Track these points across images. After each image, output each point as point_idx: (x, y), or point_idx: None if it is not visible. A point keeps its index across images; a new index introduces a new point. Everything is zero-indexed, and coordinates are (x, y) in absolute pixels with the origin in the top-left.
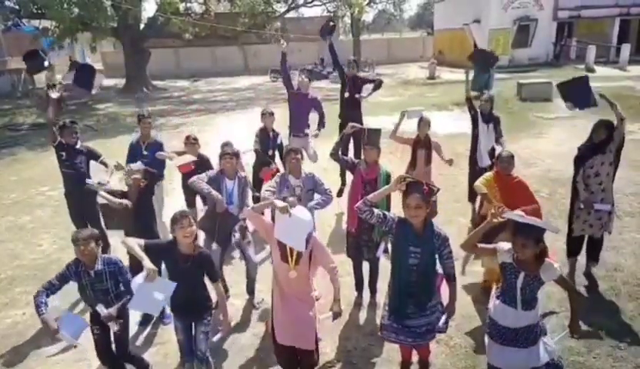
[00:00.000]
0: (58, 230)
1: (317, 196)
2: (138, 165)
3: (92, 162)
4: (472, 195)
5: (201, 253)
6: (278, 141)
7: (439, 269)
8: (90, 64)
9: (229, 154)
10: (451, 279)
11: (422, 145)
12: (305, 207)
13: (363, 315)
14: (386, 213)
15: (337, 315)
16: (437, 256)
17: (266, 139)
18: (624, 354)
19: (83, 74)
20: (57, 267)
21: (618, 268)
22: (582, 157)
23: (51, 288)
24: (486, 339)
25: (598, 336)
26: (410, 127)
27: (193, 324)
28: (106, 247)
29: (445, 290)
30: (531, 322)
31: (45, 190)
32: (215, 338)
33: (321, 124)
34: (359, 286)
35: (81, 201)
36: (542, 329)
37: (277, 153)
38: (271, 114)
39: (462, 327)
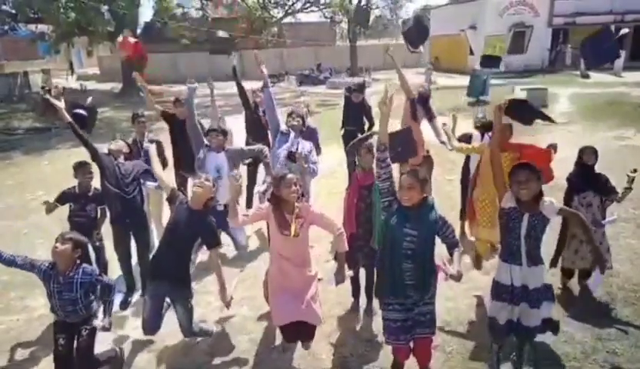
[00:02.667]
0: (54, 235)
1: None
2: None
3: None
4: (462, 214)
5: (205, 215)
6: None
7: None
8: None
9: (215, 130)
10: (453, 247)
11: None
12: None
13: (360, 321)
14: (395, 188)
15: (339, 281)
16: (438, 237)
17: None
18: (620, 359)
19: (83, 116)
20: None
21: (614, 274)
22: (574, 190)
23: (16, 260)
24: (490, 301)
25: (594, 341)
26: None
27: (171, 302)
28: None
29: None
30: (539, 283)
31: (40, 194)
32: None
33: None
34: (356, 292)
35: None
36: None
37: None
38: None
39: (459, 332)
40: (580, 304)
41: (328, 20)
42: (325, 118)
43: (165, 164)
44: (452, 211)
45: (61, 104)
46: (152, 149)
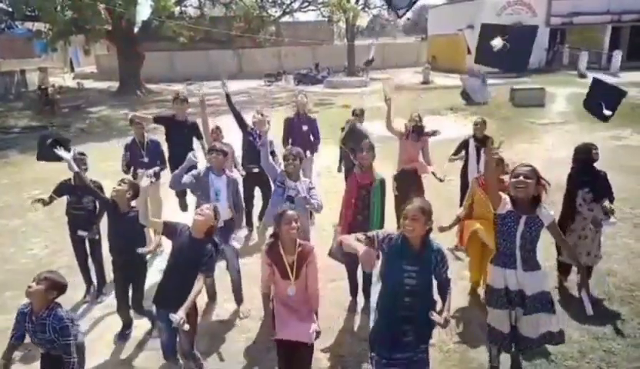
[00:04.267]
0: (50, 234)
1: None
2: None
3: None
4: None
5: (206, 243)
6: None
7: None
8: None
9: (216, 150)
10: (444, 286)
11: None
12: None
13: (357, 320)
14: (377, 235)
15: (317, 334)
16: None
17: (252, 141)
18: (617, 359)
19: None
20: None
21: (611, 273)
22: (577, 186)
23: (18, 335)
24: (488, 309)
25: (591, 341)
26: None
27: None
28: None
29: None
30: (538, 289)
31: (37, 193)
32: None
33: (315, 147)
34: (354, 291)
35: (87, 247)
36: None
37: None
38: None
39: (456, 331)
40: (577, 304)
41: (326, 19)
42: (322, 117)
43: (163, 163)
44: (451, 209)
45: (68, 155)
46: (141, 198)
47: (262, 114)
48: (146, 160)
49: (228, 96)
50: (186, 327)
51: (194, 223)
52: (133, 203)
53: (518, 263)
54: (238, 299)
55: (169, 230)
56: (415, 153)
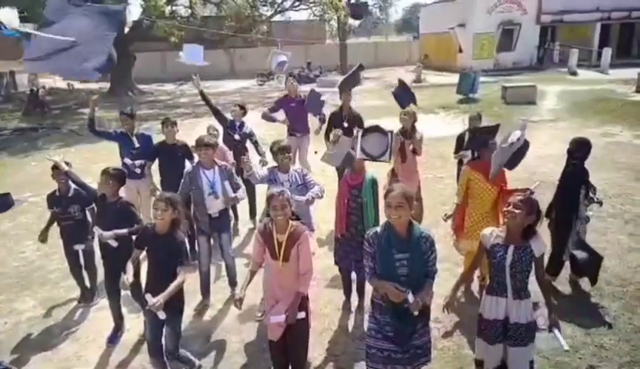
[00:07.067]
0: None
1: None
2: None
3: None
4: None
5: (173, 235)
6: (246, 130)
7: None
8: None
9: (205, 145)
10: (429, 275)
11: (408, 136)
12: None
13: (351, 320)
14: (368, 250)
15: (290, 319)
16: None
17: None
18: (609, 353)
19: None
20: (40, 274)
21: (602, 269)
22: (581, 182)
23: None
24: (476, 340)
25: (582, 336)
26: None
27: (164, 325)
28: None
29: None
30: (525, 319)
31: (28, 196)
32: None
33: (321, 120)
34: (347, 290)
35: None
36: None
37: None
38: (242, 107)
39: (450, 328)
40: (569, 300)
41: (318, 18)
42: None
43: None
44: (443, 206)
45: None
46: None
47: (240, 106)
48: (137, 147)
49: (202, 93)
50: (161, 314)
51: (156, 225)
52: (121, 193)
53: (509, 292)
54: (233, 282)
55: (141, 242)
56: (411, 169)
